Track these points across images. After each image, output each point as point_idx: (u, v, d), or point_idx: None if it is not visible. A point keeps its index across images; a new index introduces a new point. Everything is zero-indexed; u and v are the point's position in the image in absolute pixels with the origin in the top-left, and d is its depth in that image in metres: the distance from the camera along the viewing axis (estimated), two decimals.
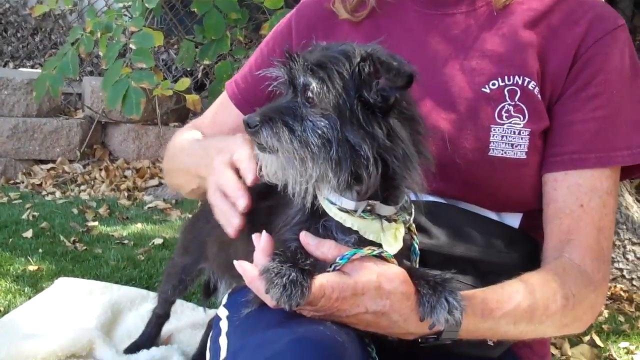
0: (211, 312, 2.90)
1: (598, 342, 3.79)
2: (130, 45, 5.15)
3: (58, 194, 6.49)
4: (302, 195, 1.65)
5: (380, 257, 1.67)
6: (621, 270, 4.58)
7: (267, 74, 1.71)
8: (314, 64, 1.60)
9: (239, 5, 5.57)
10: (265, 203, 1.87)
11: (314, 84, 1.58)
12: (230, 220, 1.86)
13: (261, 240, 1.72)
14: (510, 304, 1.79)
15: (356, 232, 1.68)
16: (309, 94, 1.59)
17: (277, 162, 1.63)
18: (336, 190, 1.63)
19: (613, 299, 4.40)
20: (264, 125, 1.60)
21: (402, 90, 1.59)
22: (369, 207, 1.66)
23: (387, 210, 1.68)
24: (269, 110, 1.63)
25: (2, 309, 3.67)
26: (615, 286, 4.51)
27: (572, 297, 1.88)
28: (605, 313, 4.14)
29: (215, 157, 1.95)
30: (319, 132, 1.57)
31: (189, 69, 7.79)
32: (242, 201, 1.80)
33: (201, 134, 2.42)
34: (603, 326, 3.99)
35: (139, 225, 5.47)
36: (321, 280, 1.58)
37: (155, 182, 6.84)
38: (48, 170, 7.04)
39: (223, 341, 1.87)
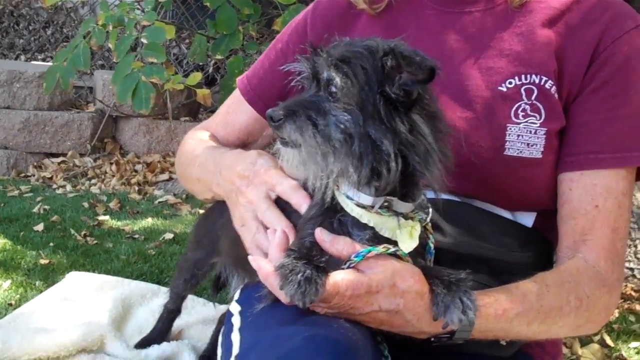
0: (222, 308, 2.89)
1: (608, 341, 3.78)
2: (142, 40, 5.13)
3: (69, 187, 6.51)
4: (322, 190, 1.66)
5: (395, 256, 1.66)
6: (632, 269, 4.57)
7: (291, 68, 1.71)
8: (338, 59, 1.60)
9: (252, 0, 5.55)
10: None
11: (338, 79, 1.58)
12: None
13: (276, 235, 1.73)
14: (524, 305, 1.78)
15: (371, 228, 1.67)
16: (333, 88, 1.59)
17: (299, 156, 1.63)
18: (356, 185, 1.63)
19: (624, 298, 4.37)
20: (287, 119, 1.60)
21: (424, 84, 1.58)
22: (386, 204, 1.66)
23: (404, 207, 1.68)
24: (292, 104, 1.63)
25: (13, 302, 3.69)
26: (626, 285, 4.48)
27: (585, 298, 1.87)
28: (616, 313, 4.11)
29: (235, 180, 2.00)
30: (342, 126, 1.57)
31: (200, 64, 7.79)
32: (292, 235, 1.79)
33: (212, 135, 2.43)
34: (613, 326, 3.97)
35: (150, 220, 5.48)
36: (335, 278, 1.58)
37: (165, 176, 6.85)
38: (59, 163, 7.05)
39: (235, 337, 1.86)
